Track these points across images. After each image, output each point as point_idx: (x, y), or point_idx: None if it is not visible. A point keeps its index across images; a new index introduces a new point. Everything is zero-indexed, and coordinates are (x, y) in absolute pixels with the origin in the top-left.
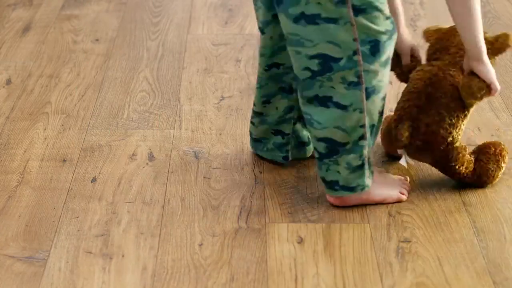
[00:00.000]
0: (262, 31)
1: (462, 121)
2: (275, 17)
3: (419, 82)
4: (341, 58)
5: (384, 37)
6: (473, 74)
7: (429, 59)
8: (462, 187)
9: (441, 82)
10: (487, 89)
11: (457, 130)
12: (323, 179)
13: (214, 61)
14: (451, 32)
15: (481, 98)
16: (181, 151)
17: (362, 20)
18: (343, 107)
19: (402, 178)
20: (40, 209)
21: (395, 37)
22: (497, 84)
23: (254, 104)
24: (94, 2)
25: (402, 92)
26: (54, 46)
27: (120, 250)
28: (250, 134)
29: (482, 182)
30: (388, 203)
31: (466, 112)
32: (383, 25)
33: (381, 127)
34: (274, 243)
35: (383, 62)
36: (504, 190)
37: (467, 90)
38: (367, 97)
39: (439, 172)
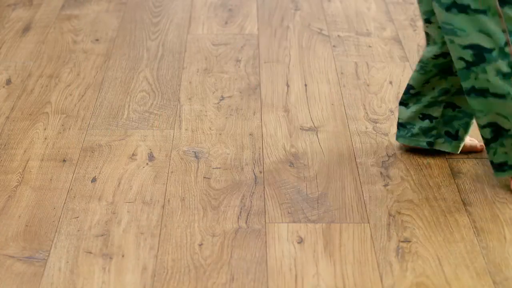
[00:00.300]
0: (428, 21)
1: None
2: None
3: None
4: (493, 49)
5: None
6: None
7: None
8: (462, 187)
9: None
10: None
11: None
12: (492, 163)
13: (214, 61)
14: None
15: None
16: (181, 151)
17: (508, 11)
18: (501, 96)
19: None
20: (40, 209)
21: None
22: None
23: (412, 87)
24: (94, 2)
25: None
26: (54, 46)
27: (120, 250)
28: (398, 119)
29: None
30: None
31: None
32: None
33: None
34: (274, 243)
35: None
36: (504, 190)
37: None
38: None
39: (439, 172)
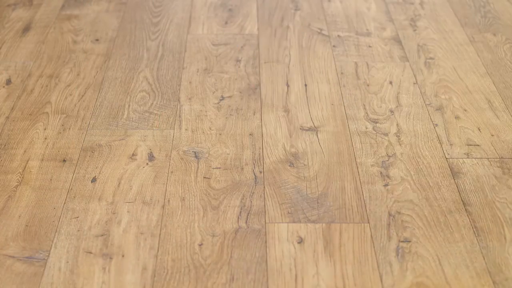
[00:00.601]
0: None
1: None
2: None
3: None
4: None
5: None
6: None
7: None
8: (462, 187)
9: None
10: None
11: None
12: None
13: (214, 61)
14: None
15: None
16: (181, 151)
17: None
18: None
19: None
20: (40, 209)
21: None
22: None
23: None
24: (94, 2)
25: None
26: (54, 46)
27: (120, 250)
28: None
29: None
30: None
31: None
32: None
33: None
34: (274, 243)
35: None
36: (504, 190)
37: None
38: None
39: (439, 172)
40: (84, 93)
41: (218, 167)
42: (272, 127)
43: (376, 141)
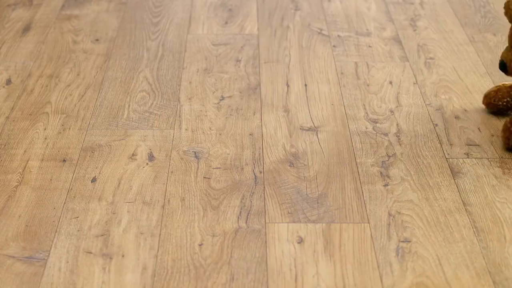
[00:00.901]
0: None
1: None
2: None
3: None
4: None
5: None
6: None
7: None
8: (462, 187)
9: None
10: None
11: None
12: None
13: (214, 61)
14: None
15: None
16: (181, 151)
17: None
18: None
19: None
20: (40, 209)
21: None
22: None
23: None
24: (94, 2)
25: None
26: (54, 46)
27: (120, 250)
28: None
29: None
30: None
31: None
32: None
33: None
34: (274, 243)
35: None
36: (504, 190)
37: None
38: None
39: (439, 172)
40: (84, 93)
41: (218, 167)
42: (272, 127)
43: (376, 141)
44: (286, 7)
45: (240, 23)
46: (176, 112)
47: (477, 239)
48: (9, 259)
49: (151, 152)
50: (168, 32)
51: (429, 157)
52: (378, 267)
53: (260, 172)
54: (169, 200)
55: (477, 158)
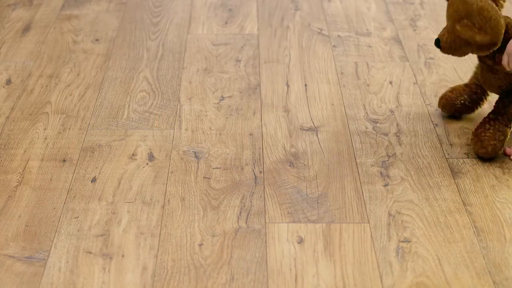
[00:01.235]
0: None
1: None
2: None
3: None
4: None
5: None
6: None
7: None
8: (462, 187)
9: None
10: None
11: None
12: None
13: (214, 61)
14: None
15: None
16: (181, 151)
17: None
18: None
19: None
20: (40, 209)
21: None
22: (505, 63)
23: None
24: (94, 2)
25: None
26: (54, 46)
27: (120, 250)
28: None
29: None
30: None
31: None
32: None
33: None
34: (274, 243)
35: None
36: (504, 190)
37: None
38: None
39: (439, 172)
40: (84, 93)
41: (218, 167)
42: (272, 127)
43: (376, 141)
44: (286, 7)
45: (240, 23)
46: (176, 112)
47: (477, 239)
48: (9, 259)
49: (151, 152)
50: (168, 32)
51: (429, 157)
52: (378, 267)
53: (260, 172)
54: (169, 200)
55: (477, 158)
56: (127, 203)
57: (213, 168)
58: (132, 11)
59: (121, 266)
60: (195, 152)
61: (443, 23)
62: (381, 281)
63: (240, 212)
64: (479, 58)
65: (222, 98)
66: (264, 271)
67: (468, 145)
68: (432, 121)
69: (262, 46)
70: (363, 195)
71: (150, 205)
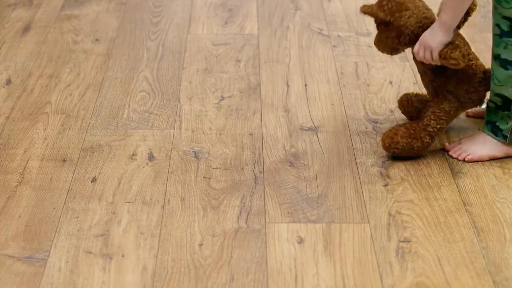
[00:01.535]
0: None
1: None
2: None
3: None
4: None
5: None
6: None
7: None
8: (462, 187)
9: None
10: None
11: None
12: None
13: (214, 61)
14: None
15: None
16: (181, 151)
17: None
18: None
19: None
20: (40, 209)
21: None
22: (416, 51)
23: None
24: (94, 2)
25: None
26: (54, 46)
27: (120, 250)
28: None
29: None
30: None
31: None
32: None
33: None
34: (274, 243)
35: None
36: (504, 190)
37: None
38: None
39: (439, 172)
40: (84, 93)
41: (218, 167)
42: (272, 127)
43: (376, 141)
44: (286, 7)
45: (240, 23)
46: (176, 112)
47: (477, 239)
48: (9, 259)
49: (151, 152)
50: (168, 32)
51: (429, 157)
52: (378, 267)
53: (260, 172)
54: (169, 200)
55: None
56: (127, 203)
57: (213, 168)
58: (132, 11)
59: (121, 266)
60: (195, 152)
61: None
62: (381, 281)
63: (240, 212)
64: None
65: (222, 98)
66: (264, 271)
67: None
68: None
69: (262, 46)
70: (363, 195)
71: (150, 205)
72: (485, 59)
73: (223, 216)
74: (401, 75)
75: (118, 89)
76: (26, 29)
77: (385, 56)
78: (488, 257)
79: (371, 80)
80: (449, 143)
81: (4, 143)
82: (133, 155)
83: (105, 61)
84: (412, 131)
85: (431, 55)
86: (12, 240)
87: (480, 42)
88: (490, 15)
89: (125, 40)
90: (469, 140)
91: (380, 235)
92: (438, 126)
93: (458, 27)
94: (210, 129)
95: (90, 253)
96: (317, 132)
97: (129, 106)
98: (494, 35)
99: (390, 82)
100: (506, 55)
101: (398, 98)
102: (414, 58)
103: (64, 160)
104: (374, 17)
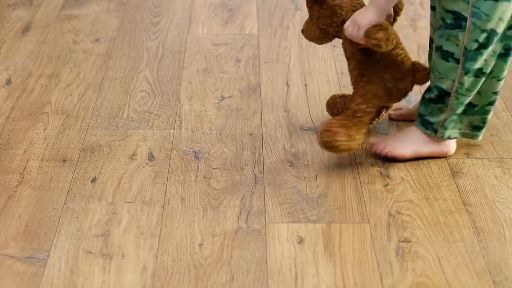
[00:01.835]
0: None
1: None
2: None
3: None
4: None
5: None
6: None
7: None
8: (462, 187)
9: None
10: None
11: None
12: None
13: (214, 61)
14: None
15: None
16: (181, 151)
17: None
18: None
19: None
20: (40, 209)
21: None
22: (346, 27)
23: None
24: (94, 2)
25: None
26: (54, 46)
27: (120, 250)
28: None
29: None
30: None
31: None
32: None
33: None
34: (274, 243)
35: None
36: (504, 190)
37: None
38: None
39: (439, 172)
40: (84, 93)
41: (218, 167)
42: (272, 127)
43: None
44: (286, 7)
45: (240, 23)
46: (176, 112)
47: (477, 239)
48: (9, 259)
49: (151, 152)
50: (168, 32)
51: (429, 157)
52: (378, 267)
53: (260, 172)
54: (169, 200)
55: (477, 158)
56: (127, 203)
57: (213, 168)
58: (132, 11)
59: (121, 266)
60: (195, 152)
61: None
62: (381, 281)
63: (240, 212)
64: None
65: (222, 98)
66: (264, 271)
67: (468, 145)
68: None
69: (262, 46)
70: (363, 195)
71: (150, 205)
72: None
73: (223, 216)
74: None
75: (118, 89)
76: (26, 29)
77: None
78: (488, 257)
79: None
80: (374, 137)
81: (4, 143)
82: (133, 155)
83: (105, 61)
84: (344, 121)
85: (358, 33)
86: (12, 240)
87: None
88: None
89: (125, 40)
90: (396, 134)
91: (380, 235)
92: (368, 110)
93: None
94: (210, 129)
95: (90, 253)
96: (317, 132)
97: (129, 106)
98: (438, 27)
99: None
100: (448, 46)
101: (326, 101)
102: (343, 42)
103: (64, 160)
104: None
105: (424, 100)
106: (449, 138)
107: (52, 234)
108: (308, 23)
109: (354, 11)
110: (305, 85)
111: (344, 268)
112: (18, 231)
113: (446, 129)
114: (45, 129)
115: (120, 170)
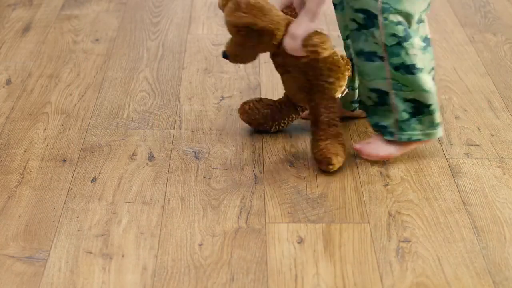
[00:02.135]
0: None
1: None
2: None
3: None
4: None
5: None
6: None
7: None
8: (462, 187)
9: None
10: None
11: None
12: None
13: (214, 61)
14: None
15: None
16: (181, 151)
17: None
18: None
19: None
20: (40, 209)
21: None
22: (285, 43)
23: None
24: (94, 2)
25: None
26: (54, 46)
27: (120, 250)
28: None
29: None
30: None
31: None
32: None
33: None
34: (274, 243)
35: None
36: (504, 190)
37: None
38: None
39: (439, 172)
40: (84, 93)
41: (218, 167)
42: None
43: None
44: None
45: None
46: (176, 112)
47: (477, 239)
48: (9, 259)
49: (151, 152)
50: (168, 32)
51: (429, 157)
52: (378, 267)
53: (260, 172)
54: (169, 200)
55: (477, 158)
56: (127, 203)
57: (213, 168)
58: (132, 11)
59: (121, 266)
60: (195, 152)
61: (443, 23)
62: (381, 281)
63: (240, 212)
64: (275, 65)
65: (222, 98)
66: (264, 271)
67: (468, 145)
68: None
69: None
70: (363, 195)
71: (150, 205)
72: (485, 59)
73: (223, 216)
74: None
75: (118, 89)
76: (26, 29)
77: None
78: (488, 257)
79: None
80: (358, 143)
81: (4, 143)
82: (133, 155)
83: (105, 61)
84: (329, 143)
85: (296, 44)
86: (12, 240)
87: (480, 42)
88: (490, 15)
89: (125, 40)
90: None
91: (380, 235)
92: (336, 118)
93: None
94: (210, 129)
95: (90, 253)
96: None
97: (129, 106)
98: (351, 31)
99: None
100: (368, 47)
101: (238, 108)
102: (285, 58)
103: (64, 160)
104: (251, 26)
105: (368, 111)
106: (410, 140)
107: (52, 234)
108: (243, 48)
109: (288, 24)
110: None
111: (344, 268)
112: (18, 231)
113: (403, 130)
114: (45, 129)
115: (120, 170)
